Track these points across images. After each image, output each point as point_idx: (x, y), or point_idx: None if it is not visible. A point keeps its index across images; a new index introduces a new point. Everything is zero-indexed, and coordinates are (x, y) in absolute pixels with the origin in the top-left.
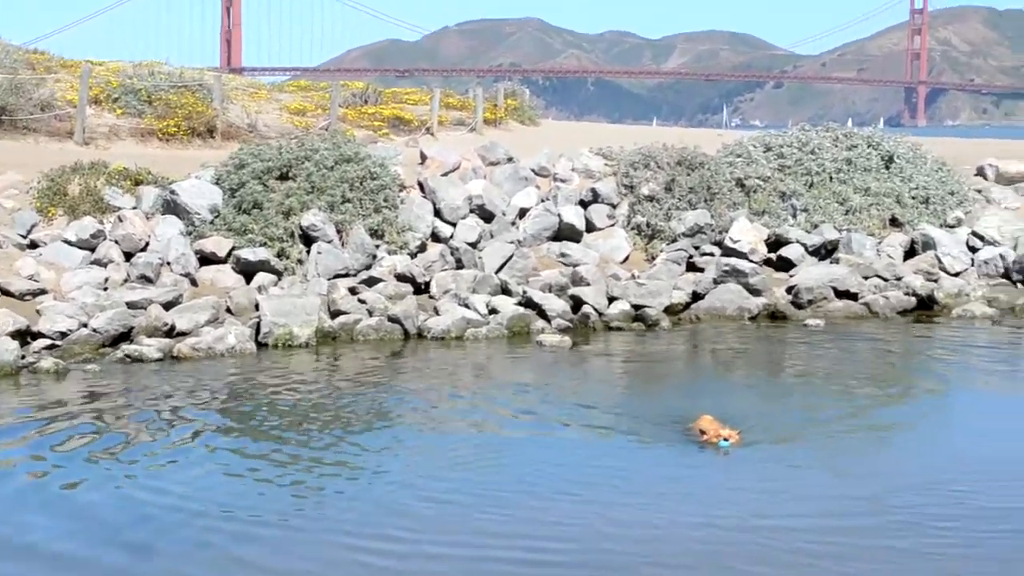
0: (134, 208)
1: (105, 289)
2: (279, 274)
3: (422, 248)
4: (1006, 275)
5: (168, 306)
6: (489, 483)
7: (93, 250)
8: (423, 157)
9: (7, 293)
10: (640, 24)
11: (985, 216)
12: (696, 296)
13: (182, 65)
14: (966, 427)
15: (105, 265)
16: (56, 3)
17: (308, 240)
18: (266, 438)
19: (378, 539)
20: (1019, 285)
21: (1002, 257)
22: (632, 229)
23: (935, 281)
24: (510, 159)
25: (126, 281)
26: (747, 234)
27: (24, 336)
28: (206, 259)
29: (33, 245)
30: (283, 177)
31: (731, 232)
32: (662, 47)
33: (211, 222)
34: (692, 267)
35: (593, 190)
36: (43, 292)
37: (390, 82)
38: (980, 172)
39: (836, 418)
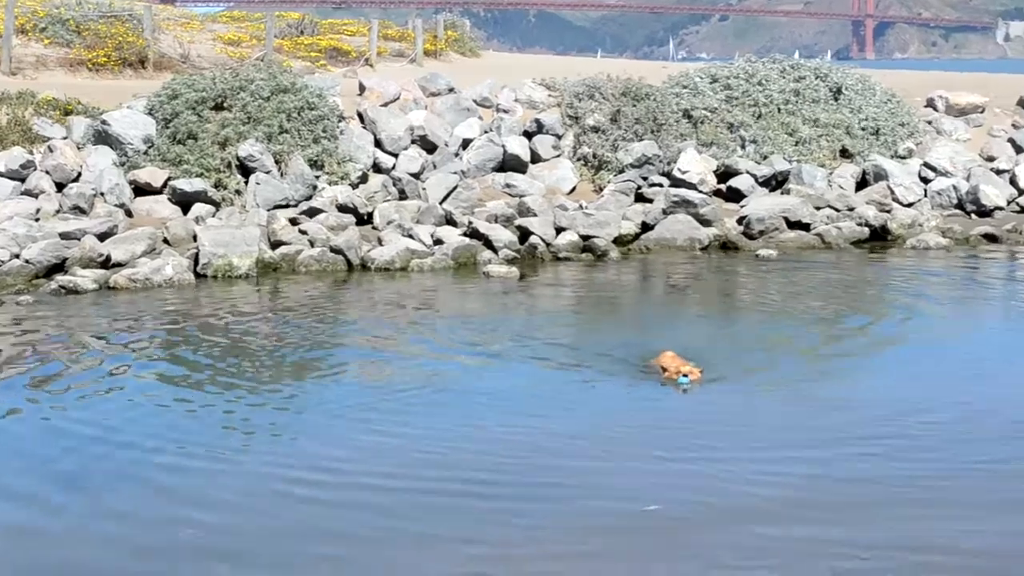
0: (64, 139)
1: (37, 220)
2: (217, 205)
3: (363, 179)
4: (959, 206)
5: (103, 237)
6: (431, 416)
7: (23, 180)
8: (362, 88)
9: None
10: None
11: (936, 147)
12: (646, 227)
13: None
14: (925, 356)
15: (36, 196)
16: None
17: (246, 171)
18: (201, 369)
19: (311, 470)
20: (973, 216)
21: (955, 188)
22: (578, 160)
23: (888, 212)
24: (451, 90)
25: (58, 212)
26: (696, 165)
27: None
28: (141, 190)
29: None
30: (218, 108)
31: (679, 163)
32: None
33: (145, 153)
34: (640, 198)
35: (537, 121)
36: None
37: (327, 13)
38: (930, 104)
39: (796, 350)
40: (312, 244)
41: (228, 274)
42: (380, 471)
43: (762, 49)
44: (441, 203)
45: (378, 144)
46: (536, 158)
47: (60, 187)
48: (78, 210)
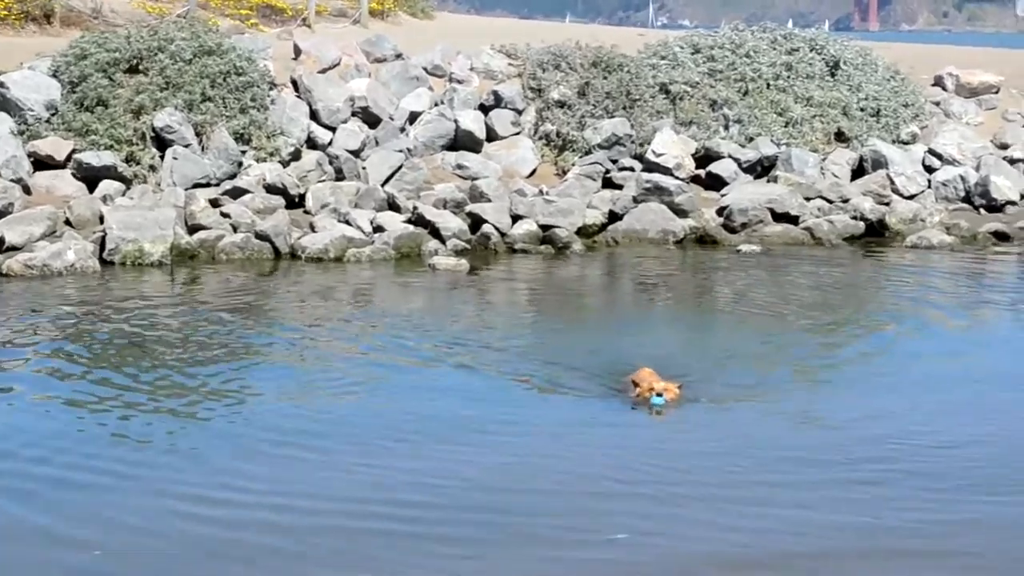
0: None
1: None
2: (128, 182)
3: (296, 156)
4: (967, 199)
5: None
6: (355, 432)
7: None
8: (297, 51)
9: None
10: None
11: (944, 132)
12: (613, 216)
13: None
14: (925, 370)
15: None
16: None
17: (162, 144)
18: (99, 369)
19: (218, 489)
20: (981, 211)
21: (962, 179)
22: (540, 139)
23: (887, 204)
24: (399, 56)
25: None
26: (672, 147)
27: None
28: (41, 163)
29: None
30: (133, 71)
31: (654, 144)
32: None
33: (47, 121)
34: (609, 183)
35: (495, 93)
36: None
37: None
38: (938, 82)
39: (783, 363)
40: (235, 229)
41: (138, 261)
42: (290, 495)
43: (752, 17)
44: (383, 185)
45: (314, 116)
46: (492, 136)
47: None
48: None
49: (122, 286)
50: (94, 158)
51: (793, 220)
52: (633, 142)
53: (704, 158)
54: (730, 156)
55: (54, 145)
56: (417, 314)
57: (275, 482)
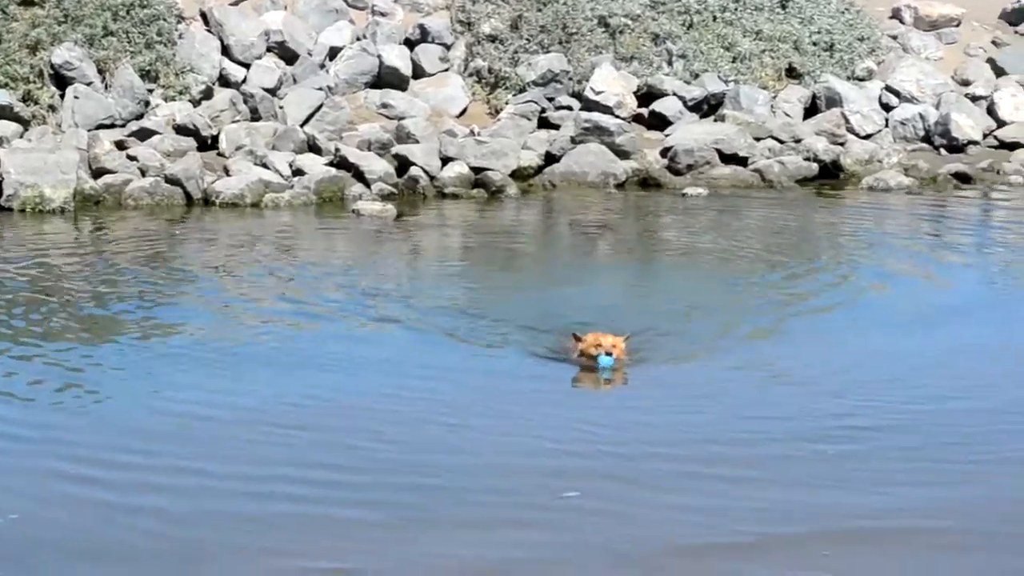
0: None
1: None
2: (25, 123)
3: (207, 94)
4: (926, 139)
5: None
6: (267, 389)
7: None
8: None
9: None
10: None
11: (901, 68)
12: (550, 158)
13: None
14: (885, 320)
15: None
16: None
17: (61, 82)
18: None
19: (104, 467)
20: (942, 151)
21: (922, 117)
22: (471, 76)
23: (841, 144)
24: None
25: None
26: (612, 84)
27: None
28: None
29: None
30: (27, 2)
31: (592, 81)
32: None
33: None
34: (545, 123)
35: (421, 27)
36: None
37: None
38: (896, 15)
39: (733, 314)
40: (143, 173)
41: (39, 208)
42: (193, 457)
43: None
44: (302, 125)
45: (226, 52)
46: (419, 73)
47: None
48: None
49: (20, 234)
50: None
51: (742, 161)
52: (570, 79)
53: (646, 96)
54: (674, 94)
55: None
56: (340, 263)
57: (177, 442)
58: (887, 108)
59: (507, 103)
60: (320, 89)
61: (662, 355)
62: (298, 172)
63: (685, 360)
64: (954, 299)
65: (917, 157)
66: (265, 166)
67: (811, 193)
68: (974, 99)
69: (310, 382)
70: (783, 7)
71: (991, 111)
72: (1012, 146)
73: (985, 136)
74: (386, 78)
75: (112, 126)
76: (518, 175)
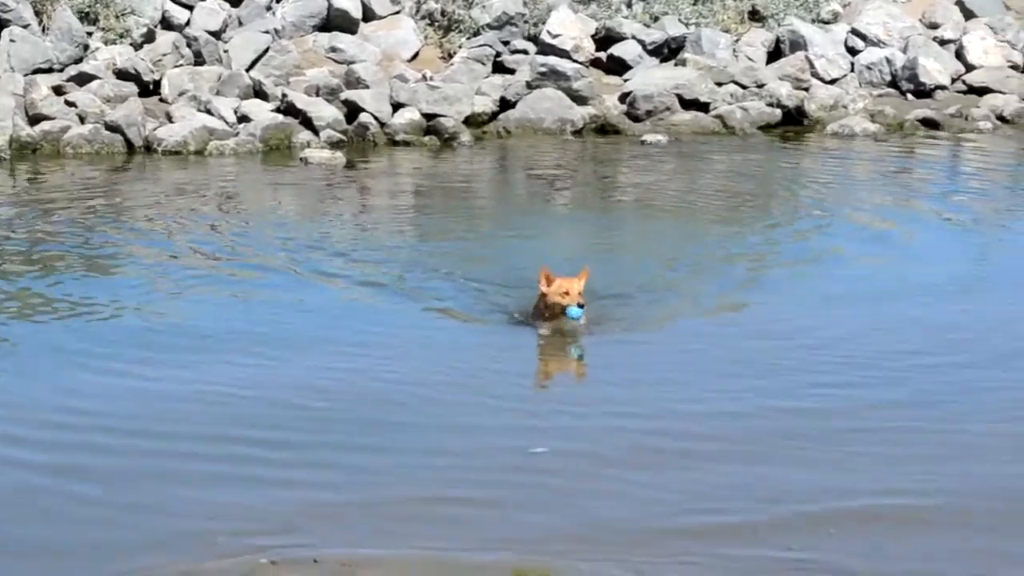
0: None
1: None
2: None
3: (149, 37)
4: (893, 83)
5: None
6: (206, 352)
7: None
8: None
9: None
10: None
11: (868, 10)
12: (505, 104)
13: None
14: (853, 273)
15: None
16: None
17: None
18: None
19: (26, 419)
20: (909, 96)
21: (888, 61)
22: (423, 18)
23: (806, 90)
24: None
25: None
26: (570, 27)
27: None
28: None
29: None
30: None
31: (549, 24)
32: None
33: None
34: (500, 68)
35: None
36: None
37: None
38: None
39: (698, 267)
40: (82, 120)
41: None
42: (126, 423)
43: None
44: (248, 70)
45: None
46: (369, 15)
47: None
48: None
49: None
50: None
51: (703, 107)
52: (526, 22)
53: (605, 39)
54: (633, 37)
55: None
56: (286, 214)
57: (111, 400)
58: (853, 52)
59: (460, 47)
60: (266, 32)
61: (624, 312)
62: (243, 119)
63: (647, 321)
64: (921, 252)
65: (883, 103)
66: (209, 112)
67: (774, 140)
68: (942, 43)
69: (254, 342)
70: None
71: (960, 55)
72: (981, 91)
73: (953, 81)
74: (335, 21)
75: (50, 71)
76: (472, 122)
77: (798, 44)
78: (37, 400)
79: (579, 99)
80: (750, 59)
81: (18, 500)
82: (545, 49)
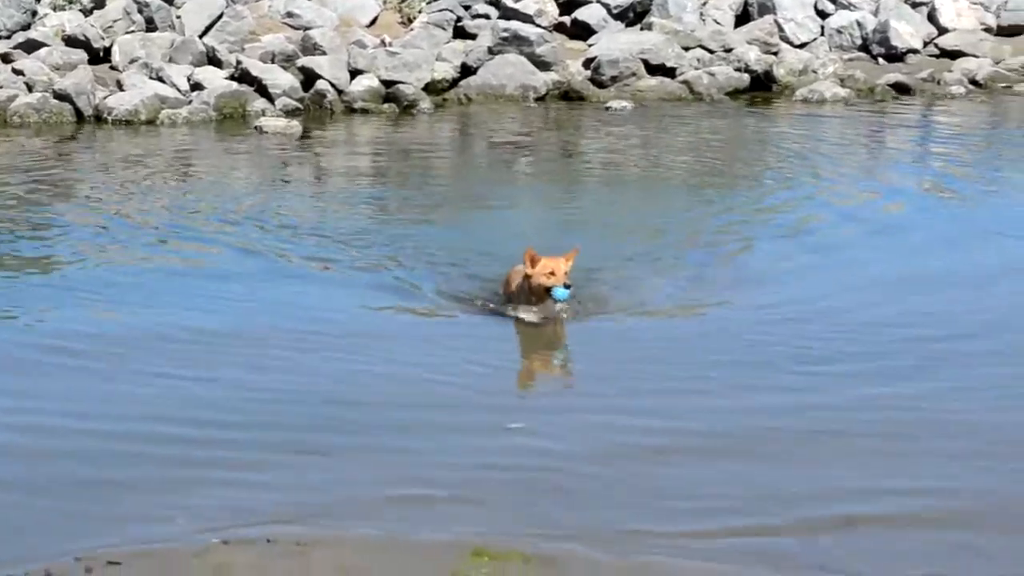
0: None
1: None
2: None
3: (99, 3)
4: (864, 47)
5: None
6: (150, 328)
7: None
8: None
9: None
10: None
11: None
12: (466, 70)
13: None
14: (819, 242)
15: None
16: None
17: None
18: None
19: None
20: (880, 60)
21: (859, 24)
22: None
23: (774, 54)
24: None
25: None
26: None
27: None
28: None
29: None
30: None
31: None
32: None
33: None
34: (461, 33)
35: None
36: None
37: None
38: None
39: (669, 240)
40: (30, 88)
41: None
42: (72, 405)
43: None
44: (201, 36)
45: None
46: None
47: None
48: None
49: None
50: None
51: (669, 73)
52: None
53: (569, 3)
54: (598, 1)
55: None
56: (238, 186)
57: (53, 379)
58: (823, 15)
59: (420, 12)
60: None
61: (599, 291)
62: (197, 87)
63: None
64: (893, 220)
65: (854, 67)
66: (161, 80)
67: (742, 106)
68: (914, 5)
69: (206, 318)
70: None
71: (932, 18)
72: (954, 55)
73: (925, 44)
74: None
75: None
76: (432, 88)
77: (767, 7)
78: None
79: (542, 65)
80: (717, 23)
81: None
82: (507, 13)
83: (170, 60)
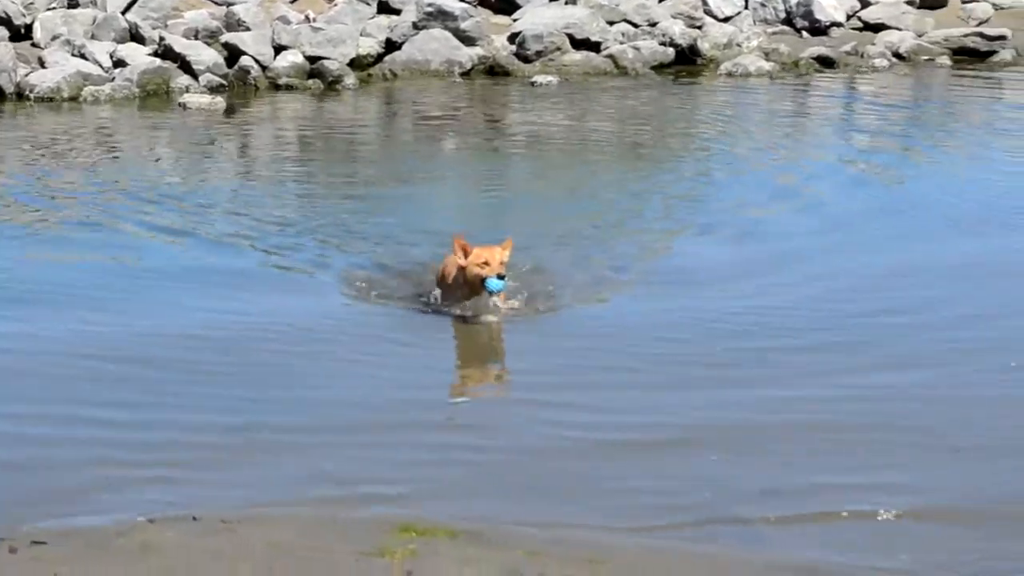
0: None
1: None
2: None
3: None
4: (787, 21)
5: None
6: (62, 310)
7: None
8: None
9: None
10: None
11: None
12: (391, 46)
13: None
14: (755, 219)
15: None
16: None
17: None
18: None
19: None
20: (804, 34)
21: None
22: None
23: (699, 28)
24: None
25: None
26: None
27: None
28: None
29: None
30: None
31: None
32: None
33: None
34: (385, 8)
35: None
36: None
37: None
38: None
39: (597, 217)
40: None
41: None
42: None
43: None
44: (124, 13)
45: None
46: None
47: None
48: None
49: None
50: None
51: (594, 47)
52: None
53: None
54: None
55: None
56: (165, 163)
57: None
58: None
59: None
60: None
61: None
62: (119, 63)
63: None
64: (821, 194)
65: (778, 41)
66: (84, 57)
67: (667, 80)
68: None
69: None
70: None
71: None
72: (877, 28)
73: (849, 17)
74: None
75: None
76: (357, 64)
77: None
78: None
79: (467, 40)
80: None
81: None
82: None
83: (92, 37)
